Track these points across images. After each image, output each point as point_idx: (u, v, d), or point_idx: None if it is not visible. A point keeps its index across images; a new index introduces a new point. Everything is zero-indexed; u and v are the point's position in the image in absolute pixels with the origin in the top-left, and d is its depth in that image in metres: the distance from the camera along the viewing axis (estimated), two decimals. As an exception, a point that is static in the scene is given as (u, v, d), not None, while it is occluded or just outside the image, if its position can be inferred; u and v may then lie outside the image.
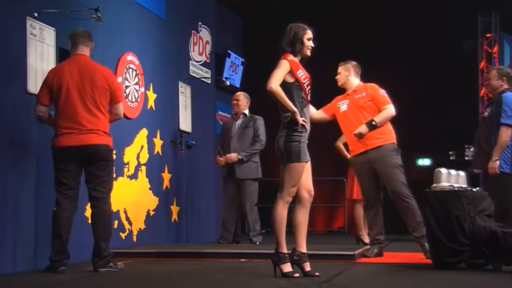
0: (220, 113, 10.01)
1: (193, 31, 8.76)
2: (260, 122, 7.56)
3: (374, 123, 6.21)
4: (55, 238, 4.92)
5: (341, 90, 6.54)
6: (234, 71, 10.35)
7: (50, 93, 4.98)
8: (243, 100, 7.62)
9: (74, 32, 5.18)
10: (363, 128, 6.18)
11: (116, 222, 6.40)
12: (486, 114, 6.03)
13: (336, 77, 6.49)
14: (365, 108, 6.31)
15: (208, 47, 9.18)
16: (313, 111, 6.13)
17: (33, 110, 5.09)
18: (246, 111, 7.63)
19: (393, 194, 6.17)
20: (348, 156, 7.61)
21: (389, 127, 6.39)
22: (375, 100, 6.31)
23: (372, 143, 6.25)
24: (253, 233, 7.47)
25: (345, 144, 7.68)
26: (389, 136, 6.33)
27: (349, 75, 6.46)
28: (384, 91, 6.41)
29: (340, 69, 6.51)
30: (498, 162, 5.78)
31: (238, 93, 7.80)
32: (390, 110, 6.34)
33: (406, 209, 6.11)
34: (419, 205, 5.82)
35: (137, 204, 6.98)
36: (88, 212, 5.33)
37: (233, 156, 7.38)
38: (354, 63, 6.55)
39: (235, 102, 7.67)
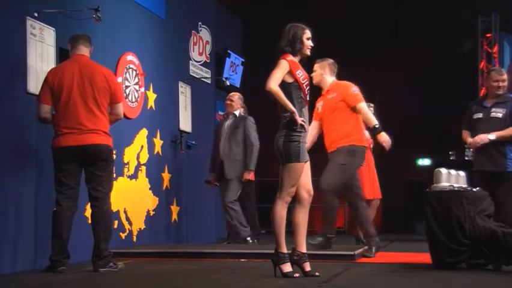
0: (220, 113, 10.00)
1: (193, 31, 8.76)
2: (250, 122, 7.53)
3: (377, 126, 6.19)
4: (55, 238, 4.92)
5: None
6: (234, 71, 10.36)
7: (51, 93, 4.98)
8: (236, 101, 7.62)
9: (74, 35, 5.21)
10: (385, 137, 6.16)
11: (116, 222, 6.40)
12: (500, 115, 5.91)
13: (312, 75, 6.30)
14: (338, 109, 6.25)
15: (208, 47, 9.18)
16: (311, 134, 6.05)
17: (36, 113, 5.09)
18: (237, 112, 7.60)
19: (318, 186, 6.09)
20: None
21: (355, 128, 6.29)
22: (345, 98, 6.23)
23: (335, 145, 6.25)
24: (252, 233, 7.48)
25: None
26: (351, 138, 6.25)
27: (324, 73, 6.36)
28: (357, 88, 6.30)
29: (316, 66, 6.37)
30: (491, 138, 5.79)
31: (233, 93, 7.82)
32: (365, 108, 6.29)
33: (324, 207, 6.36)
34: (420, 205, 5.83)
35: (137, 204, 6.98)
36: (88, 212, 5.34)
37: (251, 176, 7.41)
38: (331, 61, 6.45)
39: (228, 102, 7.67)
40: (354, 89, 6.27)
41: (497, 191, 5.70)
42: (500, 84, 5.95)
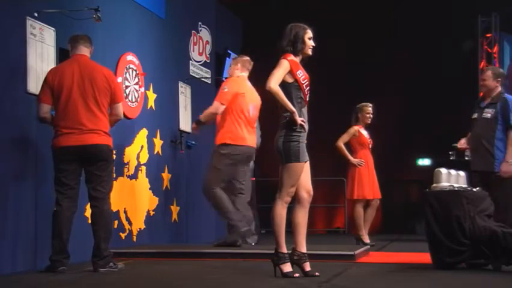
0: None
1: (193, 31, 8.75)
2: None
3: (198, 118, 6.73)
4: (55, 238, 4.92)
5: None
6: (234, 70, 10.33)
7: (51, 93, 4.98)
8: None
9: (74, 35, 5.21)
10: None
11: (116, 222, 6.40)
12: (489, 115, 5.95)
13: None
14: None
15: (208, 47, 9.18)
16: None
17: (36, 113, 5.09)
18: None
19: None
20: (349, 156, 7.66)
21: (223, 127, 6.56)
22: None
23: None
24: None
25: (347, 144, 7.71)
26: (219, 137, 6.58)
27: (236, 68, 6.67)
28: (227, 87, 6.54)
29: (231, 61, 6.76)
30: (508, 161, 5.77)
31: None
32: (213, 106, 6.57)
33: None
34: (420, 205, 5.83)
35: (137, 204, 6.98)
36: (88, 212, 5.34)
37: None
38: (246, 58, 6.76)
39: None
40: (224, 87, 6.58)
41: (492, 193, 5.71)
42: (481, 82, 6.08)
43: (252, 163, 7.49)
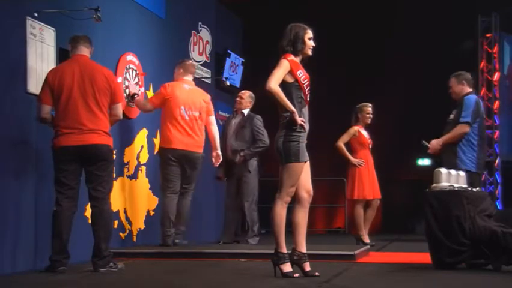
0: (220, 112, 9.99)
1: (193, 31, 8.75)
2: (257, 121, 7.55)
3: (136, 95, 6.89)
4: (55, 238, 4.92)
5: None
6: (234, 71, 10.34)
7: (51, 93, 4.98)
8: (246, 99, 7.63)
9: (75, 36, 5.22)
10: None
11: (116, 222, 6.39)
12: (451, 116, 6.17)
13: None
14: None
15: (208, 47, 9.18)
16: None
17: (37, 113, 5.09)
18: (246, 111, 7.62)
19: None
20: (350, 156, 7.66)
21: (162, 129, 6.81)
22: None
23: None
24: (250, 233, 7.47)
25: (346, 144, 7.71)
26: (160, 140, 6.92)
27: (180, 72, 6.89)
28: (160, 88, 6.78)
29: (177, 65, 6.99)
30: (439, 143, 6.07)
31: (244, 91, 7.83)
32: (143, 102, 6.89)
33: None
34: (420, 205, 5.84)
35: (137, 204, 6.98)
36: (88, 212, 5.33)
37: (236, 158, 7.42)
38: (189, 62, 7.05)
39: (238, 99, 7.69)
40: (160, 88, 6.82)
41: None
42: (449, 91, 6.30)
43: (253, 163, 7.49)
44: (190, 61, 7.13)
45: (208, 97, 7.06)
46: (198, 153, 6.80)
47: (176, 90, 6.71)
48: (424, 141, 6.37)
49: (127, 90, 6.81)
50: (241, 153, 7.44)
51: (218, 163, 7.19)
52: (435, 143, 6.17)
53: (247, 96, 7.65)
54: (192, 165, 6.77)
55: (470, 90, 6.18)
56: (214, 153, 7.06)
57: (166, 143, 6.65)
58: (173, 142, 6.62)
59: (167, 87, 6.72)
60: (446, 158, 6.11)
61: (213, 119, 7.09)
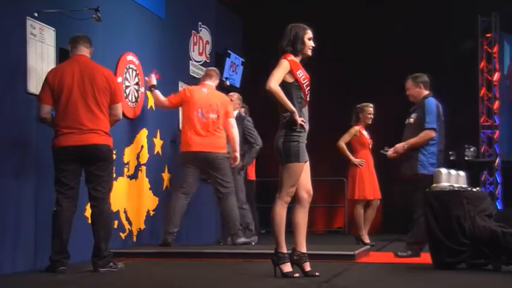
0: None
1: (193, 31, 8.75)
2: (248, 122, 7.62)
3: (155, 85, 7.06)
4: (55, 238, 4.92)
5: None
6: (234, 71, 10.34)
7: (51, 93, 4.99)
8: (235, 101, 7.66)
9: (75, 36, 5.22)
10: None
11: (116, 222, 6.40)
12: (412, 120, 6.25)
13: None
14: None
15: (208, 47, 9.18)
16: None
17: (36, 113, 5.09)
18: (235, 112, 7.61)
19: None
20: (351, 156, 7.66)
21: (182, 135, 6.99)
22: None
23: None
24: (248, 233, 7.38)
25: (347, 144, 7.71)
26: None
27: (202, 77, 7.19)
28: (181, 90, 7.11)
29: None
30: (404, 147, 6.15)
31: (232, 93, 7.84)
32: (161, 98, 6.98)
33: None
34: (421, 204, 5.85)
35: (137, 204, 6.98)
36: (88, 212, 5.34)
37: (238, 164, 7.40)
38: (210, 68, 7.33)
39: None
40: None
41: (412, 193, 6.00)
42: (406, 93, 6.41)
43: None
44: (213, 68, 7.37)
45: (226, 99, 7.13)
46: (217, 153, 6.82)
47: (195, 93, 6.86)
48: (386, 148, 6.44)
49: (146, 78, 7.00)
50: (245, 164, 7.52)
51: (235, 165, 7.18)
52: (399, 147, 6.24)
53: (235, 99, 7.68)
54: (212, 166, 6.81)
55: (428, 92, 6.26)
56: (232, 155, 7.06)
57: (185, 146, 6.80)
58: (191, 145, 6.74)
59: (187, 91, 6.91)
60: (407, 162, 6.19)
61: (232, 121, 7.10)
